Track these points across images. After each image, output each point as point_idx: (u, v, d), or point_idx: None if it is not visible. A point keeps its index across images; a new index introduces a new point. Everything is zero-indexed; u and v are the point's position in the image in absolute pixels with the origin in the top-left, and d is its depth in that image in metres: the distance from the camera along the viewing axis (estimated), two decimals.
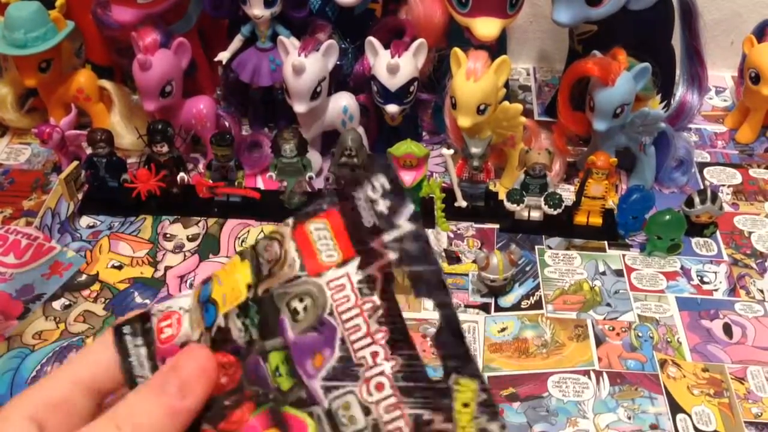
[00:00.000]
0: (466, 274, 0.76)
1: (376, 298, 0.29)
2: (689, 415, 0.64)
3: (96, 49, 0.96)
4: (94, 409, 0.32)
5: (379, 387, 0.28)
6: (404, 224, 0.29)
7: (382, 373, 0.29)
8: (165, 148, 0.80)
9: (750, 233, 0.82)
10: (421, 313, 0.71)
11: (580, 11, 0.78)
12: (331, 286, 0.29)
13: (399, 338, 0.29)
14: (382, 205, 0.29)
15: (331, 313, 0.29)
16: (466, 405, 0.28)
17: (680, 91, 0.91)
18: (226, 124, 0.87)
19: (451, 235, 0.81)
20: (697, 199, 0.78)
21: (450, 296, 0.29)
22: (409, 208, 0.29)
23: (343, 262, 0.30)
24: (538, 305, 0.73)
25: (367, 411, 0.28)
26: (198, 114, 0.85)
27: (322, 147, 0.87)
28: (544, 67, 1.10)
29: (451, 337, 0.28)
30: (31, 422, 0.30)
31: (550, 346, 0.70)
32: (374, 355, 0.29)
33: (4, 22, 0.83)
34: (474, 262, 0.75)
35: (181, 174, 0.82)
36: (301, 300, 0.30)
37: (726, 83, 1.07)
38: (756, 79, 0.90)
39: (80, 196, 0.85)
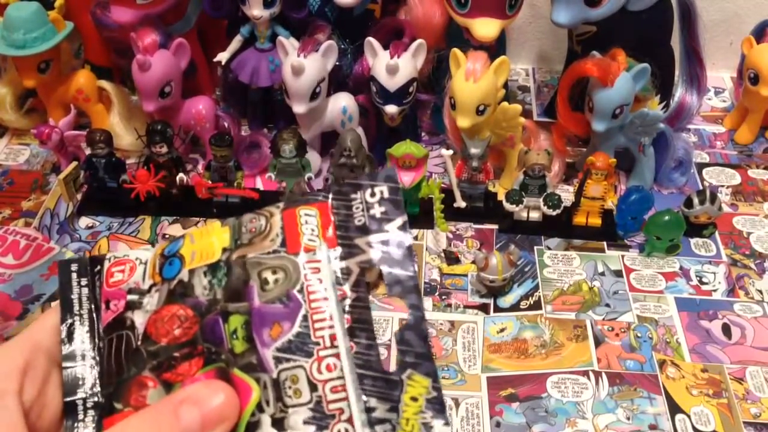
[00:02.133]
0: (465, 275, 0.76)
1: (347, 288, 0.31)
2: (688, 416, 0.64)
3: (95, 50, 0.96)
4: (57, 371, 0.32)
5: (329, 368, 0.30)
6: (393, 231, 0.31)
7: (336, 356, 0.30)
8: (164, 149, 0.80)
9: (749, 234, 0.82)
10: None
11: (579, 12, 0.78)
12: (307, 267, 0.31)
13: (360, 327, 0.31)
14: (377, 210, 0.32)
15: (300, 291, 0.31)
16: (414, 399, 0.30)
17: (679, 92, 0.91)
18: (225, 124, 0.87)
19: (450, 236, 0.81)
20: (696, 200, 0.78)
21: (421, 300, 0.31)
22: (402, 218, 0.31)
23: (324, 250, 0.31)
24: (537, 306, 0.73)
25: (313, 387, 0.30)
26: (197, 114, 0.85)
27: (321, 147, 0.87)
28: (543, 68, 1.10)
29: (414, 337, 0.30)
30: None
31: (549, 346, 0.70)
32: (332, 337, 0.30)
33: (4, 23, 0.82)
34: (473, 262, 0.75)
35: (180, 174, 0.81)
36: (274, 272, 0.31)
37: (725, 84, 1.07)
38: (755, 80, 0.90)
39: (79, 196, 0.85)
